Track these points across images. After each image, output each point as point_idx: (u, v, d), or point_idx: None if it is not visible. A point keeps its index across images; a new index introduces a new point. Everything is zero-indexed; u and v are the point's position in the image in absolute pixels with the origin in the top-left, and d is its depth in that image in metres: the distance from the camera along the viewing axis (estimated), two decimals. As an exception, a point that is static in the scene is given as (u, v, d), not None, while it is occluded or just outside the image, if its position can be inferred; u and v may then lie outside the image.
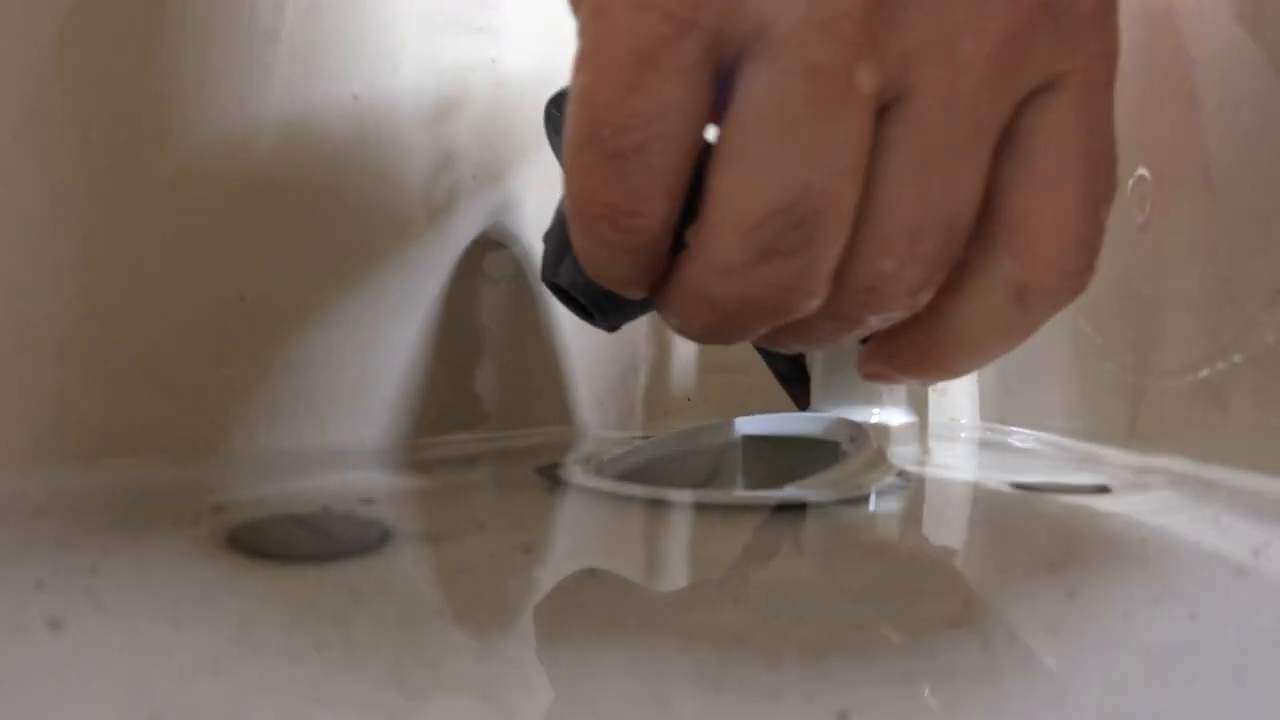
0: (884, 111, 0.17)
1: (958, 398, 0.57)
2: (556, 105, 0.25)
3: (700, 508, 0.20)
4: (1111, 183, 0.18)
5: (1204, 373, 0.26)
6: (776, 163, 0.16)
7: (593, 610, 0.12)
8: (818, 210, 0.16)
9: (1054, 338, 0.42)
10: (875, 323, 0.21)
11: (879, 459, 0.25)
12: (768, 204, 0.16)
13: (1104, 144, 0.18)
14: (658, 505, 0.20)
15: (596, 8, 0.16)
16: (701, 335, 0.20)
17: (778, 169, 0.16)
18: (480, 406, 0.31)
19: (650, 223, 0.18)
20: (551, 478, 0.23)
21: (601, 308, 0.25)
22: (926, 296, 0.20)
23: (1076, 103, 0.17)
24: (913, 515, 0.21)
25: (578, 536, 0.18)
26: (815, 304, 0.18)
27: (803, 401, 0.28)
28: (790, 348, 0.20)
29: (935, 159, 0.17)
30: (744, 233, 0.17)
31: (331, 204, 0.24)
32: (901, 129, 0.17)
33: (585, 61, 0.17)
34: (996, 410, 0.53)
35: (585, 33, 0.17)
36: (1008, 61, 0.16)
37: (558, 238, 0.28)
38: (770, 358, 0.26)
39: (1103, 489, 0.24)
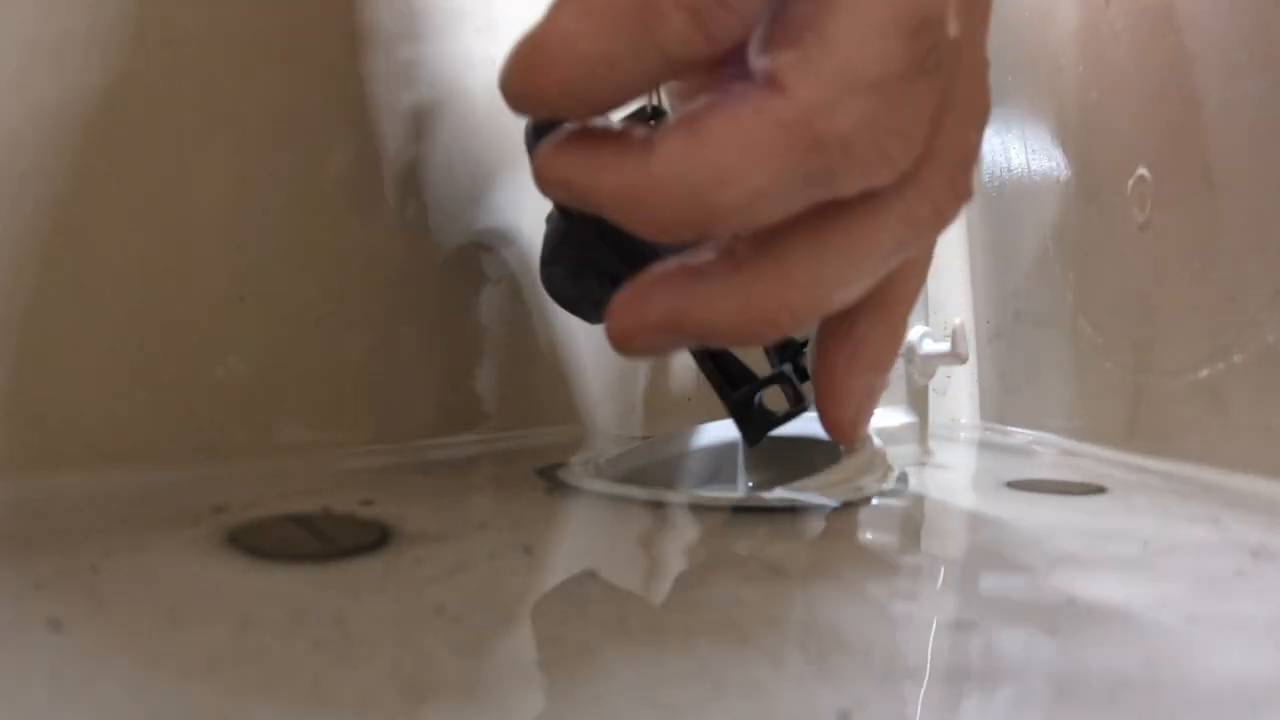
0: None
1: (958, 398, 0.57)
2: (537, 134, 0.24)
3: (700, 509, 0.20)
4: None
5: (1204, 373, 0.26)
6: None
7: (593, 611, 0.12)
8: (954, 39, 0.15)
9: (1054, 338, 0.42)
10: (929, 236, 0.18)
11: (879, 459, 0.25)
12: (921, 7, 0.14)
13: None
14: (658, 506, 0.20)
15: None
16: (746, 196, 0.15)
17: None
18: (480, 407, 0.31)
19: (747, 10, 0.14)
20: (551, 478, 0.23)
21: (586, 316, 0.25)
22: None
23: None
24: (913, 515, 0.21)
25: (578, 537, 0.18)
26: (908, 165, 0.15)
27: (749, 440, 0.27)
28: (832, 268, 0.16)
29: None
30: (904, 35, 0.14)
31: (331, 203, 0.24)
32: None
33: None
34: (996, 410, 0.53)
35: None
36: None
37: (550, 243, 0.28)
38: (726, 387, 0.25)
39: (1102, 489, 0.24)
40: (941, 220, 0.17)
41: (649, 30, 0.14)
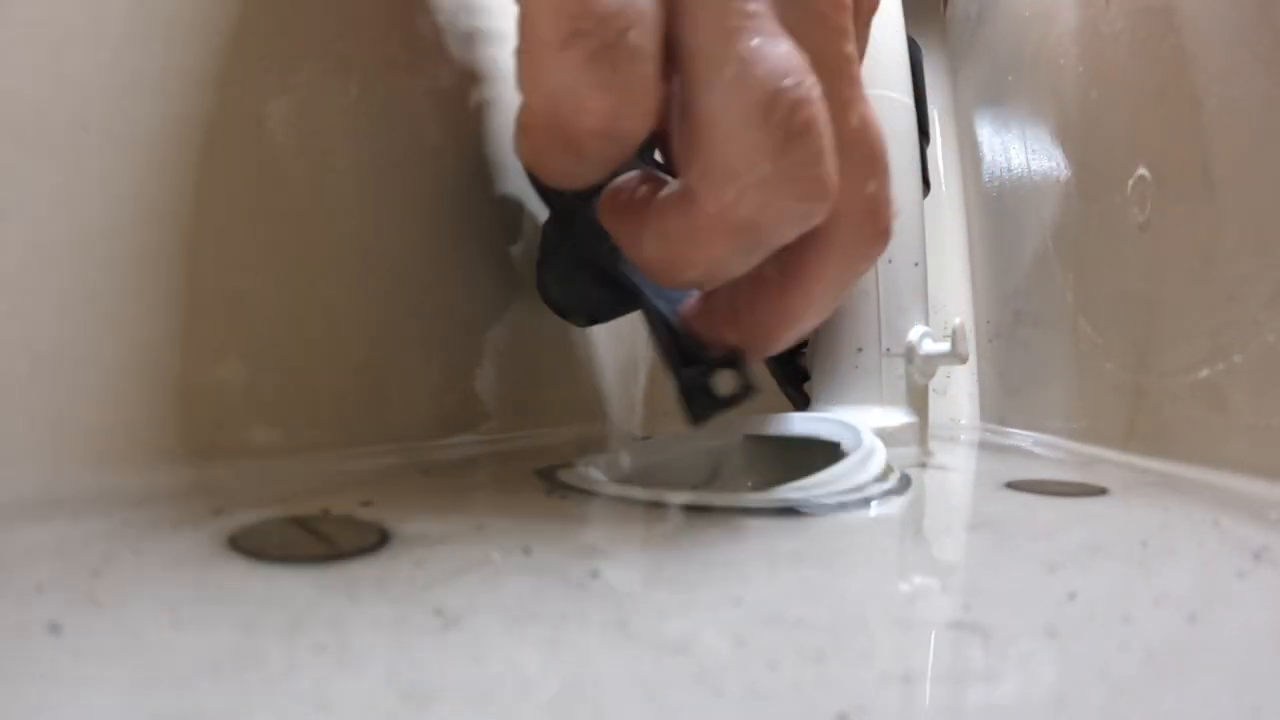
0: None
1: (958, 398, 0.57)
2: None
3: (700, 509, 0.20)
4: None
5: (1204, 373, 0.26)
6: (756, 67, 0.17)
7: (593, 613, 0.12)
8: (808, 97, 0.17)
9: (1054, 338, 0.42)
10: (864, 268, 0.22)
11: (878, 460, 0.25)
12: (770, 86, 0.17)
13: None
14: (658, 507, 0.20)
15: None
16: (708, 270, 0.20)
17: (760, 70, 0.17)
18: (480, 408, 0.31)
19: (642, 123, 0.17)
20: (551, 479, 0.23)
21: (578, 321, 0.25)
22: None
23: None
24: (912, 516, 0.21)
25: (578, 539, 0.18)
26: (826, 208, 0.18)
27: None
28: (815, 289, 0.21)
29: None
30: (761, 121, 0.16)
31: (331, 203, 0.24)
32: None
33: None
34: (996, 411, 0.53)
35: None
36: None
37: (544, 249, 0.28)
38: (678, 362, 0.25)
39: (1103, 490, 0.24)
40: (867, 259, 0.20)
41: (576, 155, 0.18)
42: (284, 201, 0.22)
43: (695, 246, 0.19)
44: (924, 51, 0.39)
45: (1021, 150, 0.46)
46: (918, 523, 0.21)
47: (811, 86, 0.17)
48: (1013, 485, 0.25)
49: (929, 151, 0.41)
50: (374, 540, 0.15)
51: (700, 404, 0.24)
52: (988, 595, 0.14)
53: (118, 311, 0.18)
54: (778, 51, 0.17)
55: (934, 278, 0.41)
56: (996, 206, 0.52)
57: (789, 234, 0.19)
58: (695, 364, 0.24)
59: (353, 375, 0.25)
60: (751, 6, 0.17)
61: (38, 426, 0.16)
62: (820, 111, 0.17)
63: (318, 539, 0.15)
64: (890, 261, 0.34)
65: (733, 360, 0.24)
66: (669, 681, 0.10)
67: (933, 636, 0.12)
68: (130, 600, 0.12)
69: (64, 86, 0.17)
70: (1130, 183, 0.31)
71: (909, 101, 0.36)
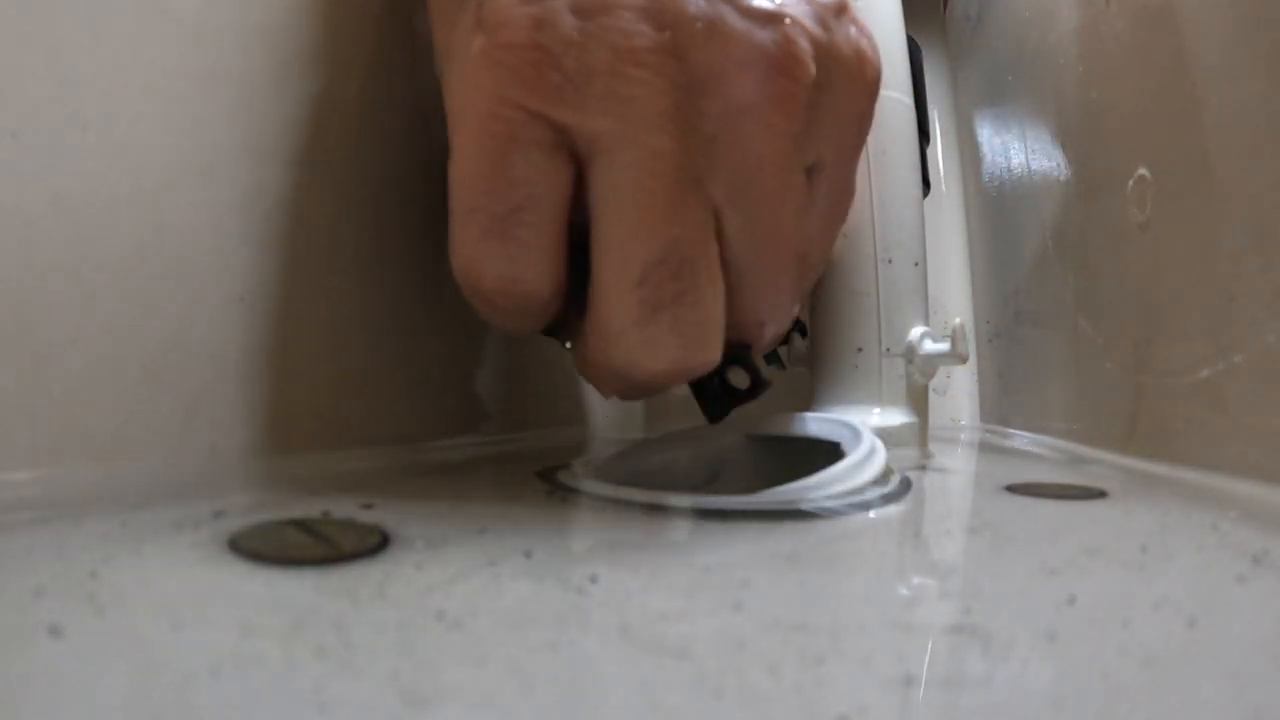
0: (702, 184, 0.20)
1: (958, 398, 0.57)
2: None
3: (700, 511, 0.20)
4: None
5: (1204, 373, 0.26)
6: (644, 222, 0.19)
7: (593, 615, 0.12)
8: (689, 257, 0.19)
9: (1054, 338, 0.42)
10: (768, 345, 0.27)
11: (879, 461, 0.25)
12: (645, 257, 0.19)
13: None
14: (658, 509, 0.20)
15: (462, 105, 0.19)
16: (613, 395, 0.24)
17: (647, 227, 0.19)
18: (481, 409, 0.31)
19: (539, 286, 0.20)
20: (552, 481, 0.23)
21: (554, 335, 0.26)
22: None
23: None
24: (912, 518, 0.21)
25: (578, 541, 0.18)
26: (715, 357, 0.22)
27: (712, 419, 0.26)
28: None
29: (772, 221, 0.21)
30: (630, 289, 0.19)
31: (331, 203, 0.24)
32: (736, 211, 0.20)
33: (458, 151, 0.19)
34: (996, 411, 0.53)
35: (454, 128, 0.20)
36: (793, 150, 0.21)
37: None
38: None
39: (1102, 494, 0.24)
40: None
41: (495, 311, 0.22)
42: (284, 202, 0.22)
43: (586, 372, 0.23)
44: (924, 51, 0.39)
45: (1021, 150, 0.46)
46: (918, 525, 0.21)
47: (686, 261, 0.20)
48: (1012, 488, 0.25)
49: (929, 151, 0.41)
50: (375, 542, 0.15)
51: (718, 401, 0.25)
52: (987, 599, 0.14)
53: (118, 312, 0.18)
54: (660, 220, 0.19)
55: (934, 278, 0.41)
56: (996, 206, 0.52)
57: (665, 385, 0.22)
58: None
59: (352, 377, 0.25)
60: (659, 184, 0.19)
61: (38, 427, 0.16)
62: (697, 278, 0.20)
63: (318, 541, 0.15)
64: (890, 261, 0.34)
65: (739, 356, 0.25)
66: (669, 685, 0.10)
67: (932, 640, 0.12)
68: (130, 602, 0.12)
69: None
70: (1130, 183, 0.31)
71: (909, 101, 0.36)
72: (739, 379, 0.25)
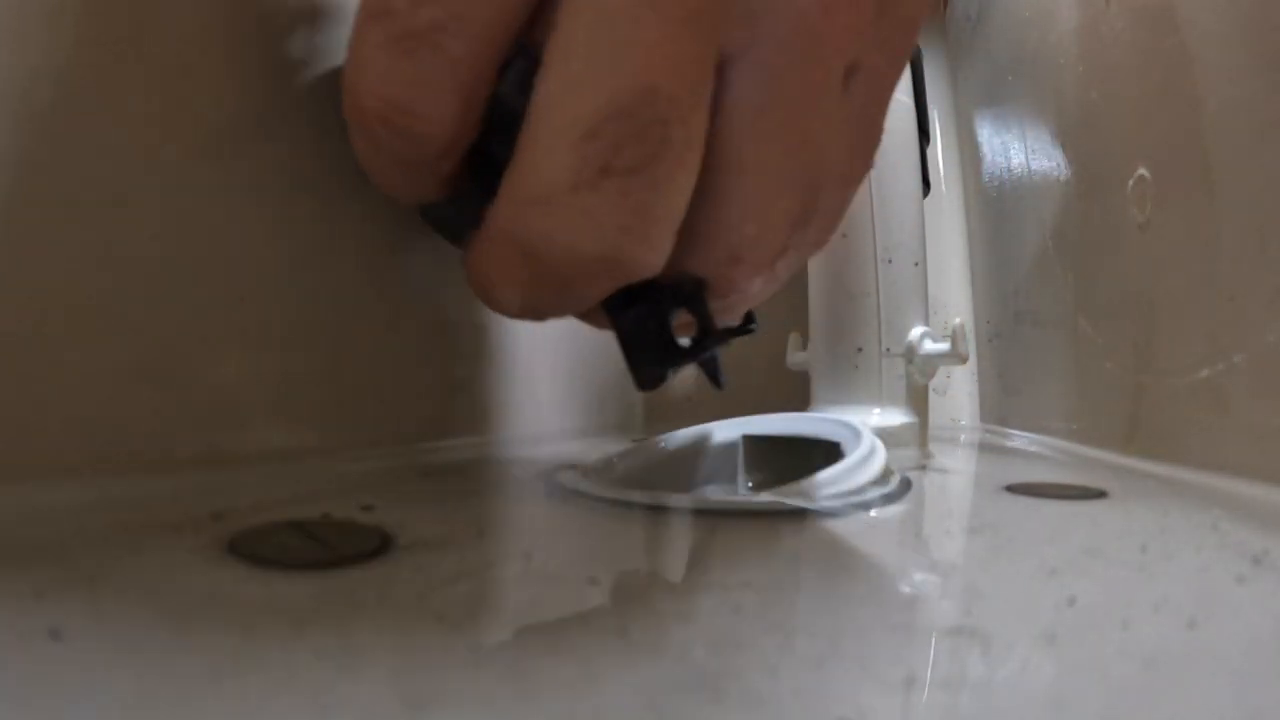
0: (724, 69, 0.14)
1: (958, 398, 0.57)
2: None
3: (700, 512, 0.20)
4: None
5: (1204, 373, 0.26)
6: (619, 56, 0.13)
7: (593, 617, 0.12)
8: (665, 119, 0.14)
9: (1054, 338, 0.42)
10: (735, 303, 0.18)
11: (878, 461, 0.25)
12: (605, 103, 0.13)
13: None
14: (657, 510, 0.20)
15: None
16: (512, 302, 0.17)
17: (620, 63, 0.13)
18: (480, 410, 0.31)
19: (433, 128, 0.15)
20: (552, 482, 0.23)
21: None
22: (786, 269, 0.17)
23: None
24: (911, 519, 0.21)
25: (578, 543, 0.18)
26: (656, 260, 0.15)
27: (643, 381, 0.18)
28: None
29: (790, 109, 0.15)
30: (573, 142, 0.14)
31: (331, 204, 0.24)
32: (750, 78, 0.14)
33: None
34: (996, 411, 0.53)
35: None
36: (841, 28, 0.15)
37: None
38: (617, 305, 0.18)
39: (1102, 494, 0.24)
40: (730, 309, 0.19)
41: (373, 147, 0.17)
42: (284, 203, 0.22)
43: (484, 263, 0.16)
44: (924, 51, 0.39)
45: (1021, 150, 0.46)
46: (918, 526, 0.21)
47: (665, 121, 0.14)
48: (1012, 488, 0.25)
49: (929, 151, 0.41)
50: (375, 545, 0.15)
51: (652, 354, 0.18)
52: (988, 600, 0.14)
53: (118, 312, 0.18)
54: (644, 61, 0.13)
55: (934, 278, 0.41)
56: (996, 206, 0.52)
57: (586, 283, 0.16)
58: (642, 301, 0.18)
59: (353, 378, 0.25)
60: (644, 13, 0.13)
61: (38, 428, 0.16)
62: (667, 150, 0.14)
63: (318, 544, 0.15)
64: (890, 261, 0.34)
65: (689, 294, 0.17)
66: (669, 687, 0.10)
67: (933, 641, 0.12)
68: (130, 605, 0.12)
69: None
70: (1130, 183, 0.31)
71: (909, 101, 0.36)
72: (681, 327, 0.18)
